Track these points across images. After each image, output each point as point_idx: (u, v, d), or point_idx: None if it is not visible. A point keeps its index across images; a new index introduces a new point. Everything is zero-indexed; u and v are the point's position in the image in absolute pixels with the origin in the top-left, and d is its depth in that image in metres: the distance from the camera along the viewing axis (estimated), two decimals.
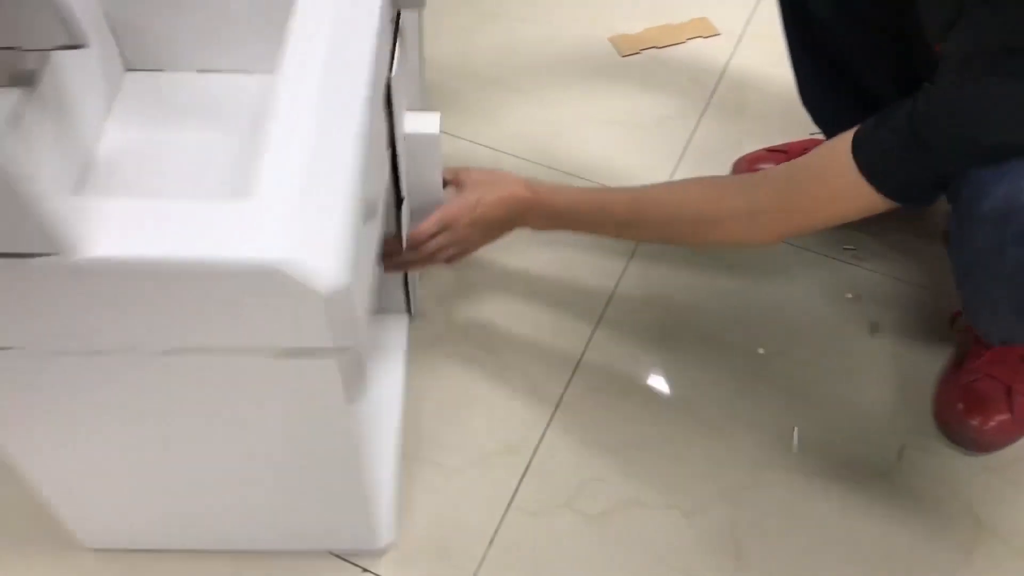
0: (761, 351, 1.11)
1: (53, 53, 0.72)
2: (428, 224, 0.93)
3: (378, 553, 0.93)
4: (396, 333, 1.10)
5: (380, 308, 1.10)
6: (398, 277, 1.06)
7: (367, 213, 0.70)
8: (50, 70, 0.71)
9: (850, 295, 1.17)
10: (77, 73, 0.76)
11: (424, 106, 1.08)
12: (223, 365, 0.66)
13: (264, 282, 0.57)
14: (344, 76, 0.68)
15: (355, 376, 0.68)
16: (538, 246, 1.21)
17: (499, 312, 1.14)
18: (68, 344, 0.63)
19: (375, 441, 0.98)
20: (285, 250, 0.57)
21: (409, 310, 1.11)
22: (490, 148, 1.34)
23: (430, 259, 0.94)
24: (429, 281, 1.17)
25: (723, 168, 1.30)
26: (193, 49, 0.82)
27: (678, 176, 1.31)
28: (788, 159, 1.25)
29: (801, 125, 1.22)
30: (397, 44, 0.82)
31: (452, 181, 0.96)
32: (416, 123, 0.90)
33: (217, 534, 0.90)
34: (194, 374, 0.67)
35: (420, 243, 0.92)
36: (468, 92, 1.43)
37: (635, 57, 1.49)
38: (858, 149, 0.79)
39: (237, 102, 0.83)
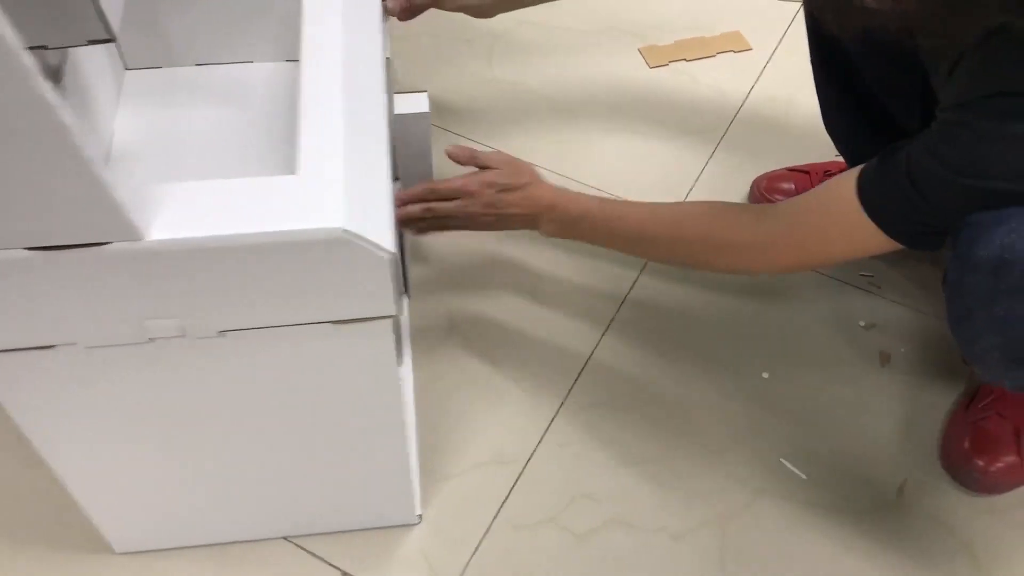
0: (766, 375, 1.09)
1: (71, 50, 0.74)
2: (448, 184, 0.93)
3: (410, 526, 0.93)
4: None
5: None
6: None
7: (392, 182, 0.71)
8: (70, 66, 0.73)
9: (863, 323, 1.14)
10: (91, 69, 0.78)
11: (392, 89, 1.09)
12: (285, 340, 0.67)
13: (330, 250, 0.59)
14: (361, 56, 0.70)
15: (400, 339, 0.70)
16: (551, 248, 1.20)
17: (503, 316, 1.14)
18: (125, 334, 0.64)
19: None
20: (345, 218, 0.58)
21: (405, 290, 1.12)
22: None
23: (437, 221, 0.95)
24: (431, 280, 1.17)
25: (744, 185, 1.28)
26: (192, 43, 0.83)
27: (695, 193, 1.29)
28: (810, 180, 1.24)
29: (826, 146, 1.19)
30: (386, 25, 0.83)
31: (472, 162, 0.96)
32: (406, 103, 0.92)
33: (259, 522, 0.91)
34: (255, 353, 0.68)
35: (431, 199, 0.93)
36: (490, 98, 1.42)
37: (663, 69, 1.47)
38: (862, 190, 0.78)
39: (244, 89, 0.84)
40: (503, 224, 0.97)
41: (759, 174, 1.27)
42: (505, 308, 1.15)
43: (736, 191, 1.28)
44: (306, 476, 0.83)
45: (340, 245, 0.59)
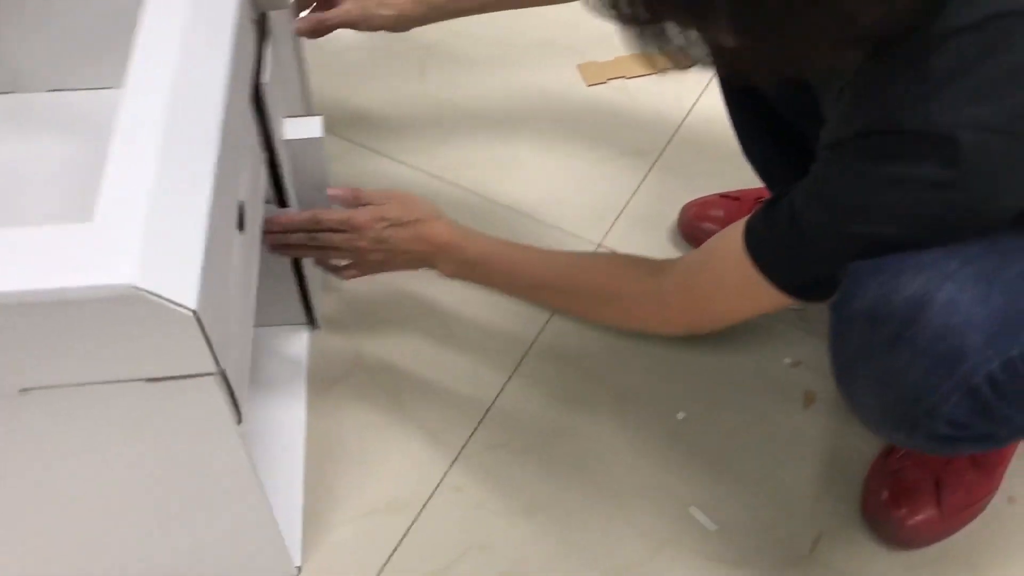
0: (681, 416, 1.03)
1: None
2: (334, 215, 0.88)
3: None
4: (295, 347, 1.05)
5: (277, 320, 1.05)
6: (293, 287, 1.00)
7: (229, 225, 0.65)
8: None
9: (789, 360, 1.08)
10: None
11: (308, 111, 1.05)
12: (98, 398, 0.61)
13: (121, 307, 0.54)
14: (196, 87, 0.64)
15: (239, 393, 0.64)
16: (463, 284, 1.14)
17: (411, 352, 1.08)
18: None
19: (278, 460, 0.94)
20: (139, 272, 0.53)
21: (311, 321, 1.07)
22: (434, 176, 1.28)
23: (320, 252, 0.91)
24: (340, 312, 1.11)
25: (674, 211, 1.22)
26: (44, 68, 0.78)
27: (624, 218, 1.23)
28: (740, 207, 1.18)
29: None
30: (267, 48, 0.77)
31: (357, 202, 0.91)
32: (298, 128, 0.86)
33: None
34: (67, 411, 0.62)
35: (315, 226, 0.88)
36: (418, 114, 1.37)
37: (601, 87, 1.42)
38: (749, 241, 0.73)
39: (95, 118, 0.79)
40: (395, 262, 0.92)
41: (691, 199, 1.22)
42: (414, 344, 1.09)
43: (666, 217, 1.23)
44: (161, 534, 0.78)
45: (132, 302, 0.53)
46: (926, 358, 0.63)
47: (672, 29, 0.59)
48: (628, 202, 1.26)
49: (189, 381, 0.60)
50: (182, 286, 0.54)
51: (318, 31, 1.03)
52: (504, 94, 1.40)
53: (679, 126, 1.36)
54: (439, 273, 0.94)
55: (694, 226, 1.18)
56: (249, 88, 0.73)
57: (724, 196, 1.20)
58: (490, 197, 1.25)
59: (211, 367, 0.59)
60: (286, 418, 0.98)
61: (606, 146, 1.33)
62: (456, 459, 0.99)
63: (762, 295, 0.73)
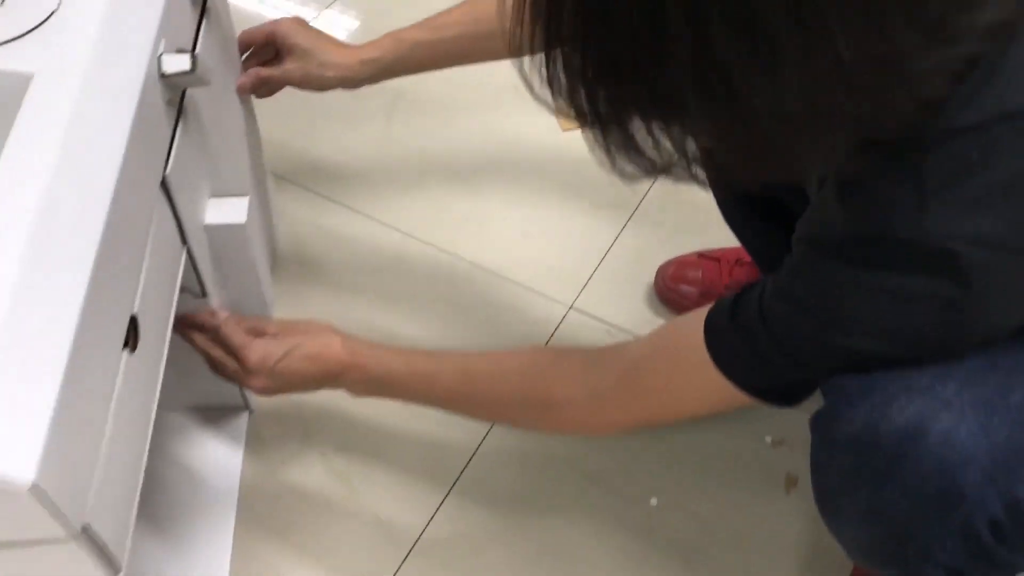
0: (654, 501, 0.96)
1: None
2: (232, 337, 0.81)
3: None
4: (231, 433, 0.98)
5: (213, 404, 0.98)
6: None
7: (110, 347, 0.57)
8: None
9: (770, 439, 1.01)
10: None
11: (259, 187, 0.98)
12: None
13: None
14: (77, 186, 0.56)
15: (115, 546, 0.56)
16: None
17: (361, 431, 1.01)
18: None
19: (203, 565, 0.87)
20: None
21: (247, 404, 1.00)
22: (397, 230, 1.21)
23: (214, 368, 0.84)
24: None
25: (650, 271, 1.15)
26: None
27: (598, 278, 1.16)
28: (719, 269, 1.11)
29: None
30: (179, 131, 0.70)
31: (258, 331, 0.84)
32: (221, 212, 0.79)
33: None
34: None
35: (215, 340, 0.82)
36: (385, 162, 1.30)
37: (577, 132, 1.34)
38: (710, 334, 0.65)
39: None
40: (294, 390, 0.84)
41: (669, 258, 1.15)
42: (367, 425, 1.02)
43: (643, 276, 1.16)
44: None
45: None
46: (919, 497, 0.56)
47: (640, 131, 0.51)
48: (603, 259, 1.19)
49: (40, 547, 0.52)
50: (17, 455, 0.46)
51: (260, 89, 0.97)
52: (476, 140, 1.33)
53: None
54: (347, 392, 0.85)
55: (671, 288, 1.11)
56: (159, 176, 0.66)
57: (703, 256, 1.13)
58: (457, 254, 1.19)
59: (62, 533, 0.51)
60: (214, 511, 0.91)
61: (581, 197, 1.26)
62: (410, 552, 0.92)
63: (719, 394, 0.66)
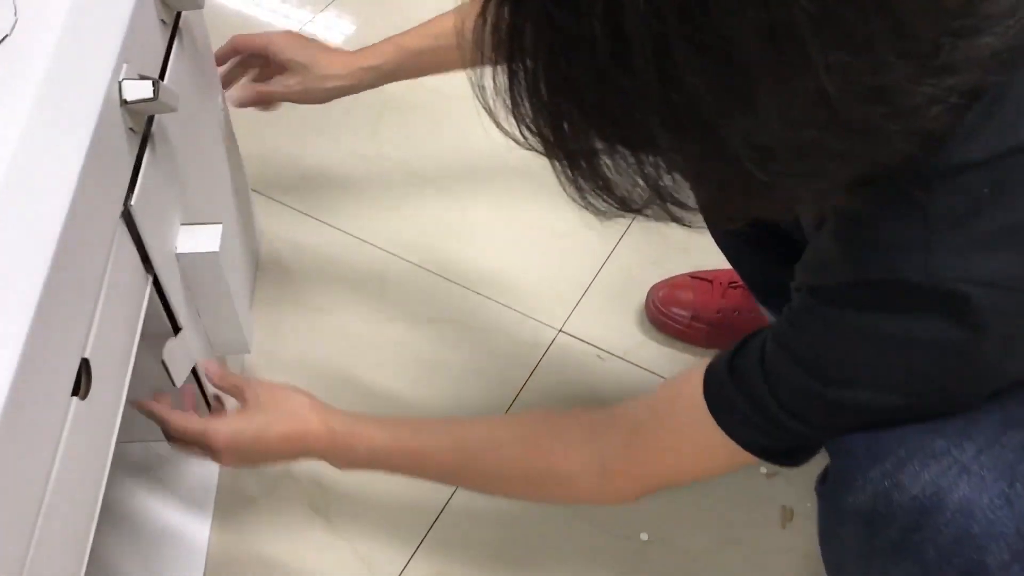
0: (644, 536, 0.93)
1: None
2: (190, 425, 0.75)
3: None
4: (201, 466, 0.94)
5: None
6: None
7: (57, 395, 0.54)
8: None
9: (765, 471, 0.98)
10: None
11: (241, 207, 0.94)
12: None
13: None
14: (20, 219, 0.52)
15: None
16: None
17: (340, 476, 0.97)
18: None
19: None
20: None
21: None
22: (381, 249, 1.17)
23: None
24: None
25: (641, 292, 1.11)
26: None
27: (588, 299, 1.13)
28: (711, 290, 1.08)
29: None
30: (145, 159, 0.66)
31: (233, 393, 0.79)
32: (192, 240, 0.75)
33: None
34: None
35: (175, 433, 0.76)
36: (369, 176, 1.26)
37: None
38: (710, 390, 0.61)
39: None
40: (269, 464, 0.81)
41: (661, 279, 1.11)
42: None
43: (634, 296, 1.12)
44: None
45: None
46: (938, 574, 0.52)
47: (609, 165, 0.48)
48: (594, 279, 1.15)
49: None
50: None
51: (255, 103, 0.94)
52: (463, 152, 1.29)
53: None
54: (331, 465, 0.78)
55: (662, 312, 1.08)
56: (119, 207, 0.62)
57: (695, 277, 1.09)
58: (443, 274, 1.15)
59: None
60: (184, 546, 0.87)
61: (572, 213, 1.22)
62: None
63: (719, 453, 0.62)
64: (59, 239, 0.52)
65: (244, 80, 0.97)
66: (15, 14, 0.62)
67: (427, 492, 0.95)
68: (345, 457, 0.76)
